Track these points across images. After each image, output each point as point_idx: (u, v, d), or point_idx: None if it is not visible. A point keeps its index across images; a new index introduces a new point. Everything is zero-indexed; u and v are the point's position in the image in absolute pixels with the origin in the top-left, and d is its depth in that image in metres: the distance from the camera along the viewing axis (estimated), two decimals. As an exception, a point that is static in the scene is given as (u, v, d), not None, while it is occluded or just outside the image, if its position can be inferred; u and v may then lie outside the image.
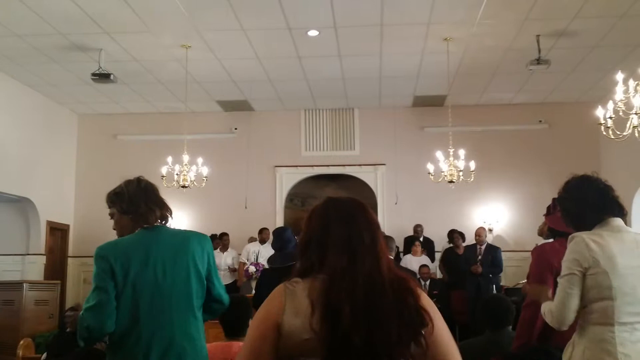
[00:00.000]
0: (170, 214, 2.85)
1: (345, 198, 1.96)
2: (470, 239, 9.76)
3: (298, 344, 1.70)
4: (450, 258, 9.88)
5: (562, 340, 2.78)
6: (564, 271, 2.58)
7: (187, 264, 2.66)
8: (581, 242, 2.55)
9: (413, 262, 9.77)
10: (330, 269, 1.76)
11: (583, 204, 2.67)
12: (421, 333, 1.71)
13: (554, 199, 3.32)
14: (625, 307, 2.44)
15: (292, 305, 1.73)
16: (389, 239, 5.94)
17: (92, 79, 8.82)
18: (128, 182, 2.85)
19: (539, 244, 3.54)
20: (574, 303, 2.53)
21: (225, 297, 2.86)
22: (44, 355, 4.45)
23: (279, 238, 4.94)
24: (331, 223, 1.85)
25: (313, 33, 8.23)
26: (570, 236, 2.63)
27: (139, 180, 2.86)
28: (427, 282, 9.59)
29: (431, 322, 1.73)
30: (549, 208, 3.44)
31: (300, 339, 1.70)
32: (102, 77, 8.73)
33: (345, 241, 1.80)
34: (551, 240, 3.35)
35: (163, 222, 2.82)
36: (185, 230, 2.90)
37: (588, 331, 2.51)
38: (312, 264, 1.81)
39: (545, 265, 3.11)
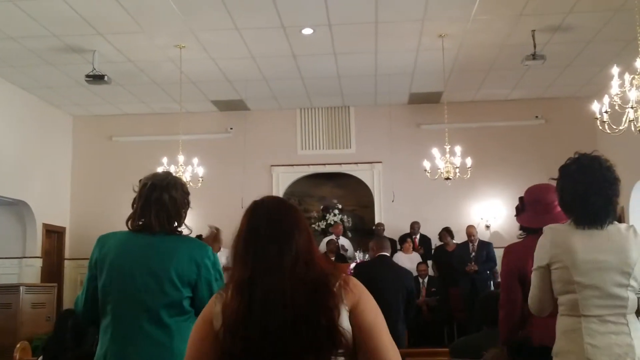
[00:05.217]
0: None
1: (268, 200, 1.90)
2: (462, 237, 9.71)
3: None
4: (440, 256, 9.91)
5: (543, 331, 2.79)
6: (534, 264, 2.65)
7: (165, 273, 2.55)
8: (547, 236, 2.60)
9: (403, 259, 9.52)
10: (235, 281, 1.77)
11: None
12: (328, 355, 1.68)
13: (520, 198, 3.32)
14: (592, 300, 2.45)
15: (217, 313, 1.77)
16: (383, 238, 5.93)
17: (86, 80, 8.80)
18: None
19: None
20: (544, 294, 2.61)
21: None
22: (40, 358, 4.42)
23: None
24: (244, 232, 1.83)
25: (307, 31, 8.20)
26: (543, 228, 2.66)
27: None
28: (425, 280, 9.55)
29: (347, 342, 1.69)
30: (517, 208, 3.41)
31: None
32: (96, 78, 8.71)
33: (249, 252, 1.78)
34: (523, 238, 3.32)
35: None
36: (182, 238, 2.70)
37: (560, 322, 2.56)
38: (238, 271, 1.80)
39: (509, 271, 3.16)
